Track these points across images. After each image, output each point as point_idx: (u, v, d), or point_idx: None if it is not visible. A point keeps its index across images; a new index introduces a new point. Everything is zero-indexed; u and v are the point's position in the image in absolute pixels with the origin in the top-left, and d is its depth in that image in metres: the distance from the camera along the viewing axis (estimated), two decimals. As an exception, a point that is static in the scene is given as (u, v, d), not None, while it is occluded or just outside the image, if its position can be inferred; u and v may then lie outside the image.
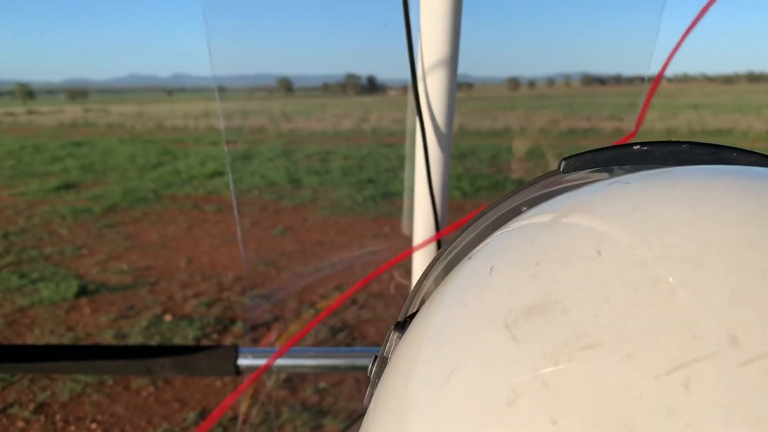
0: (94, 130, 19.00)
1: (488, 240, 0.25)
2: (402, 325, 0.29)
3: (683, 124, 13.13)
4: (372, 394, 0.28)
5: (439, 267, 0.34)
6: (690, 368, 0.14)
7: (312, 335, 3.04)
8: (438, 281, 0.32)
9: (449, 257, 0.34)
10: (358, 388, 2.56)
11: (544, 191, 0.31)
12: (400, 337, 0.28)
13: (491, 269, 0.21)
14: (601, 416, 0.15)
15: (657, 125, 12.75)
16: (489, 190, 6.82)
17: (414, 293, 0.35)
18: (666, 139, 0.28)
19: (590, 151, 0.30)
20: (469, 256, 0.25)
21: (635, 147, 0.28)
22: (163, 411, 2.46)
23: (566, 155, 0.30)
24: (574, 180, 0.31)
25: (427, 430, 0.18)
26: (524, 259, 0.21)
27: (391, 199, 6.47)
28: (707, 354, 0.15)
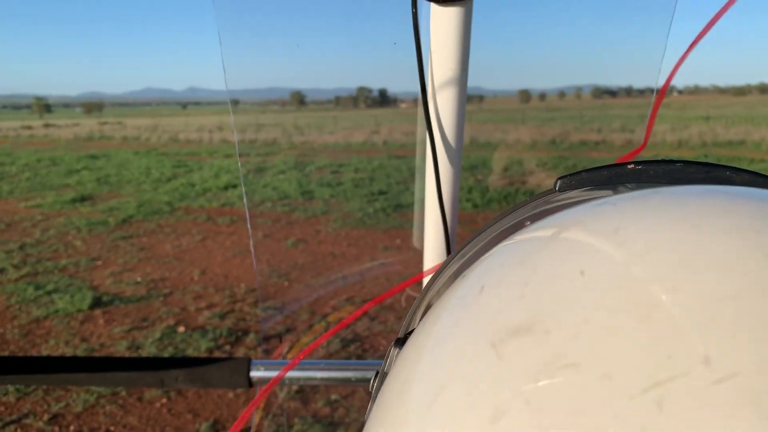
0: (110, 143, 19.25)
1: (481, 259, 0.26)
2: (402, 342, 0.30)
3: (695, 136, 13.02)
4: (370, 408, 0.29)
5: (439, 284, 0.35)
6: (663, 387, 0.15)
7: (323, 346, 3.04)
8: (440, 295, 0.33)
9: (448, 274, 0.35)
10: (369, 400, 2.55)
11: (540, 209, 0.32)
12: (399, 354, 0.29)
13: (482, 289, 0.22)
14: None
15: (668, 137, 12.66)
16: (500, 202, 6.80)
17: (414, 310, 0.36)
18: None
19: (585, 171, 0.31)
20: (463, 275, 0.26)
21: (629, 166, 0.29)
22: (176, 422, 2.47)
23: (563, 174, 0.31)
24: (570, 198, 0.31)
25: None
26: (513, 280, 0.21)
27: (403, 211, 6.48)
28: (680, 373, 0.15)
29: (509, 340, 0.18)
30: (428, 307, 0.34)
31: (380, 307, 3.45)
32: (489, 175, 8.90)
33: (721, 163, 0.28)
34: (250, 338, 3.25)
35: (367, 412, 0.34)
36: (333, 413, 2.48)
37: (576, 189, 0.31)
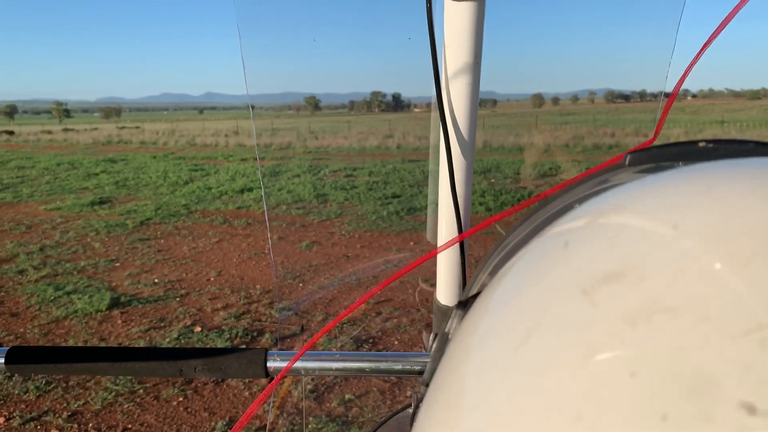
0: (128, 147, 19.51)
1: (558, 221, 0.26)
2: (464, 304, 0.30)
3: (713, 140, 12.85)
4: (433, 369, 0.29)
5: (499, 256, 0.36)
6: (767, 330, 0.15)
7: (335, 345, 3.06)
8: (496, 270, 0.34)
9: (509, 246, 0.35)
10: (383, 400, 2.57)
11: (604, 186, 0.32)
12: (462, 316, 0.29)
13: (566, 244, 0.22)
14: (679, 369, 0.15)
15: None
16: (512, 205, 6.79)
17: (476, 276, 0.37)
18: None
19: (656, 146, 0.31)
20: (538, 235, 0.26)
21: (701, 144, 0.29)
22: (193, 420, 2.51)
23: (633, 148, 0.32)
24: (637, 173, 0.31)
25: (503, 389, 0.19)
26: (600, 234, 0.21)
27: (416, 214, 6.49)
28: None
29: (601, 286, 0.18)
30: (493, 271, 0.35)
31: (393, 308, 3.47)
32: (502, 179, 8.89)
33: None
34: (266, 338, 3.29)
35: (426, 373, 0.35)
36: (347, 412, 2.50)
37: (645, 164, 0.31)
